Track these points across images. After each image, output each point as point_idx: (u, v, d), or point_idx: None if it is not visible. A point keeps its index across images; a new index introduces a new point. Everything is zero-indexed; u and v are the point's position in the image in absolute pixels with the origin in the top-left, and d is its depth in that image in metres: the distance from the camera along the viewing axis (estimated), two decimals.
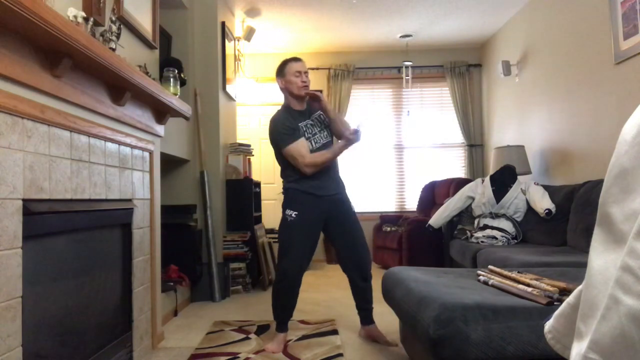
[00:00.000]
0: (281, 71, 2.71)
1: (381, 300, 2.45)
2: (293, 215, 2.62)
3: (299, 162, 2.59)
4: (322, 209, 2.66)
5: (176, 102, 2.67)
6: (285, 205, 2.68)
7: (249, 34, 4.91)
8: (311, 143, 2.66)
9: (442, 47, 5.99)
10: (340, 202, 2.73)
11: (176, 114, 2.80)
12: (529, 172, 4.36)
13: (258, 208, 4.70)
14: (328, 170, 2.71)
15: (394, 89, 6.17)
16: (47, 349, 1.70)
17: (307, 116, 2.73)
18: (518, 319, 1.53)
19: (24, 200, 1.50)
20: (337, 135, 2.78)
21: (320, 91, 5.93)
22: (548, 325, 0.77)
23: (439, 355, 1.53)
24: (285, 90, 2.71)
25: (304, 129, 2.68)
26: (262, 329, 2.97)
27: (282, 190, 2.78)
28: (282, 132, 2.62)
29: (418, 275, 2.12)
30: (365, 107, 6.10)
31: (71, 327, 1.87)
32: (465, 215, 4.12)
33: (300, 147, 2.60)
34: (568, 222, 3.28)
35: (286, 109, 2.73)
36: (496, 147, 4.71)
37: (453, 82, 5.96)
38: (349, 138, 2.59)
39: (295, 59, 2.70)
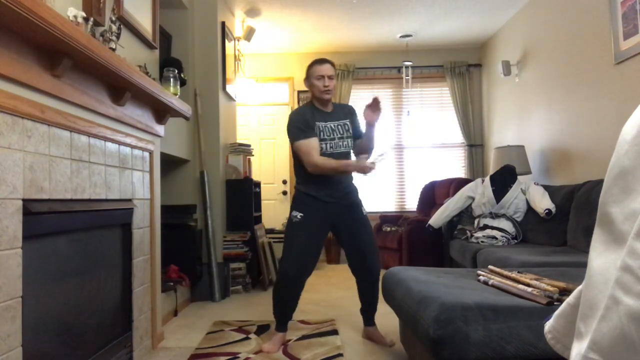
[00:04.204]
0: (307, 73, 2.72)
1: (381, 300, 2.46)
2: (298, 216, 2.63)
3: (304, 159, 2.58)
4: (327, 212, 2.65)
5: (176, 102, 2.67)
6: (292, 207, 2.69)
7: (249, 34, 4.91)
8: (327, 146, 2.63)
9: (442, 47, 5.99)
10: (347, 207, 2.70)
11: (176, 114, 2.80)
12: (529, 172, 4.36)
13: (258, 208, 4.70)
14: (338, 177, 2.67)
15: (394, 89, 6.17)
16: (47, 349, 1.70)
17: (331, 119, 2.68)
18: (518, 319, 1.53)
19: (24, 200, 1.50)
20: (358, 148, 2.74)
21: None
22: (548, 325, 0.77)
23: (439, 355, 1.53)
24: (310, 91, 2.72)
25: (322, 129, 2.64)
26: (262, 329, 2.97)
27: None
28: (296, 125, 2.61)
29: (418, 275, 2.12)
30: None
31: (71, 327, 1.86)
32: (465, 215, 4.12)
33: (310, 145, 2.56)
34: (568, 222, 3.28)
35: (310, 105, 2.72)
36: (496, 147, 4.71)
37: (453, 82, 5.96)
38: (363, 168, 2.52)
39: (321, 61, 2.67)
